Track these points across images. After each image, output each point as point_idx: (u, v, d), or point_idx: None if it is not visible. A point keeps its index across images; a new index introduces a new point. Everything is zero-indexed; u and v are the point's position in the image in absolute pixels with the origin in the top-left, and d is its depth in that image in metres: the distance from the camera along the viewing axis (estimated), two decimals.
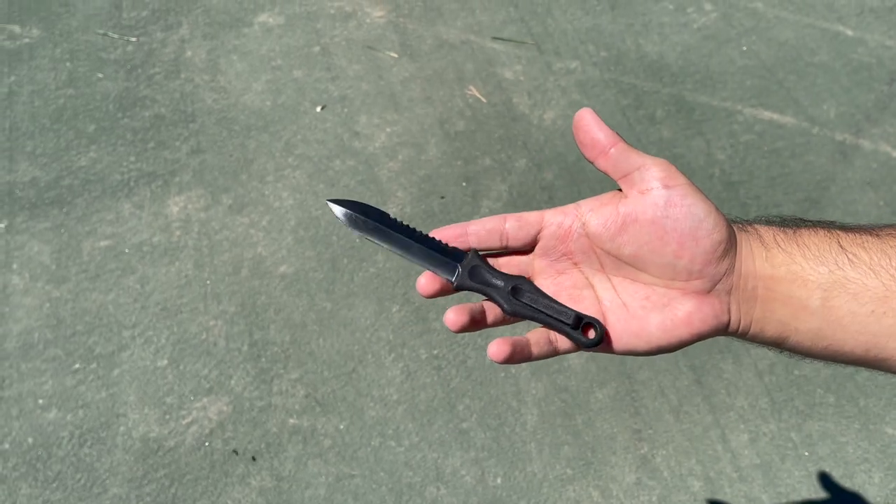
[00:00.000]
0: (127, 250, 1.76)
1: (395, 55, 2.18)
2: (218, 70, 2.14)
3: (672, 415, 1.53)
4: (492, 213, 1.82)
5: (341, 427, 1.51)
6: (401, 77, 2.12)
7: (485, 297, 0.48)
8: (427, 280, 0.47)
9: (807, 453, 1.48)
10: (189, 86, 2.10)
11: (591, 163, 0.47)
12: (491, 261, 0.49)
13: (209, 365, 1.58)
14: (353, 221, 0.49)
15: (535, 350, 0.47)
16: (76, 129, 1.99)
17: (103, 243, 1.77)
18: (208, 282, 1.70)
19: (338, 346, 1.61)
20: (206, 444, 1.48)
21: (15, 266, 1.72)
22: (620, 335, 0.47)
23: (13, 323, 1.63)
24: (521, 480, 1.45)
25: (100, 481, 1.44)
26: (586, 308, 0.48)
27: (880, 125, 2.01)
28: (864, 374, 1.58)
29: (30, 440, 1.48)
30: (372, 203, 1.84)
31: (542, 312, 0.46)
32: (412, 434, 1.50)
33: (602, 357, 1.60)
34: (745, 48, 2.19)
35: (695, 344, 0.47)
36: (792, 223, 0.47)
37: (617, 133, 0.46)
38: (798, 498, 1.43)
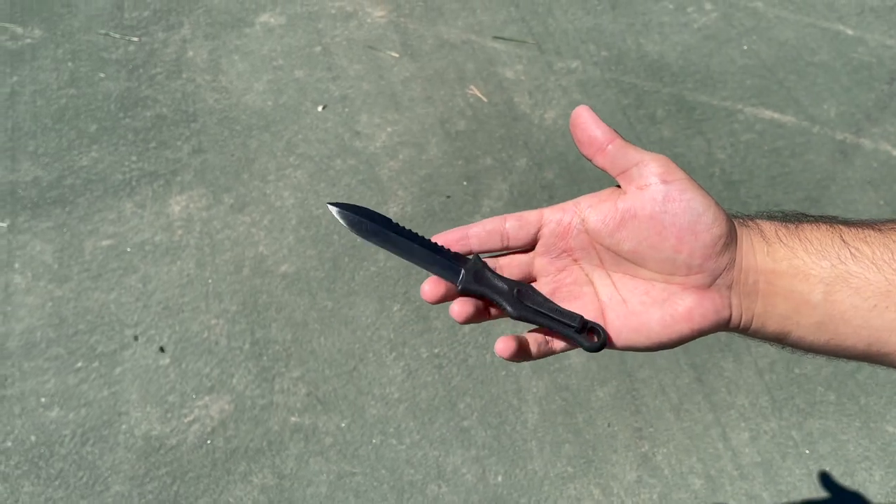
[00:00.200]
0: (129, 249, 1.76)
1: (396, 55, 2.19)
2: (219, 70, 2.14)
3: (673, 413, 1.53)
4: (493, 212, 1.83)
5: (342, 425, 1.51)
6: (402, 77, 2.13)
7: (489, 302, 0.48)
8: (431, 286, 0.47)
9: (807, 451, 1.48)
10: (190, 86, 2.10)
11: (589, 160, 0.47)
12: (492, 261, 0.49)
13: (211, 363, 1.59)
14: (354, 225, 0.48)
15: (534, 349, 0.48)
16: (78, 129, 2.00)
17: (105, 242, 1.78)
18: (210, 281, 1.71)
19: (339, 345, 1.62)
20: (208, 442, 1.49)
21: (17, 265, 1.73)
22: (620, 331, 0.47)
23: (16, 322, 1.64)
24: (522, 478, 1.45)
25: (102, 479, 1.44)
26: (586, 304, 0.48)
27: (880, 124, 2.01)
28: (864, 372, 1.58)
29: (32, 438, 1.49)
30: (373, 203, 1.85)
31: (547, 316, 0.47)
32: (413, 432, 1.50)
33: (603, 356, 1.60)
34: (745, 48, 2.20)
35: (695, 341, 0.47)
36: (794, 218, 0.47)
37: (614, 129, 0.46)
38: (799, 496, 1.43)
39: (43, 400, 1.54)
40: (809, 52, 2.18)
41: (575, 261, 0.49)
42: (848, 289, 0.43)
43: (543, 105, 2.06)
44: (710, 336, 0.53)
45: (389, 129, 2.01)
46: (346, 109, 2.05)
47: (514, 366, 1.58)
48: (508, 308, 0.47)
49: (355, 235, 0.49)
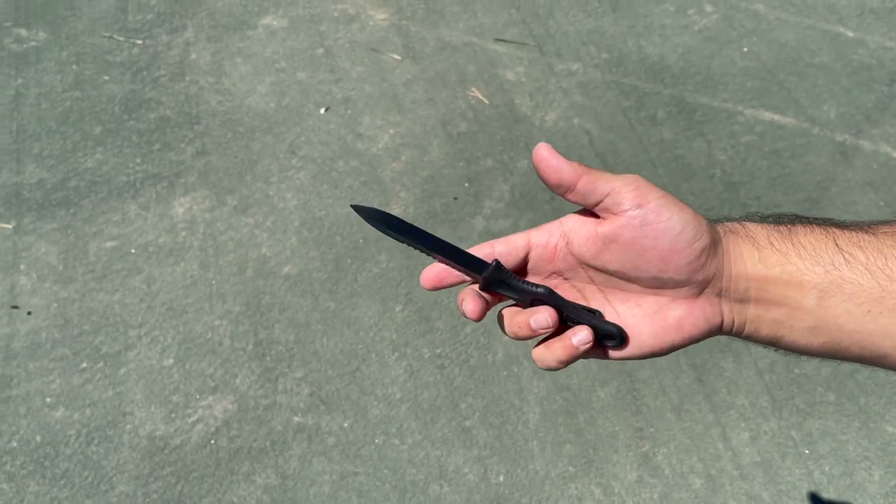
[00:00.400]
0: (133, 251, 1.78)
1: (398, 57, 2.20)
2: (222, 72, 2.15)
3: (673, 413, 1.54)
4: (494, 213, 1.84)
5: (345, 425, 1.52)
6: (403, 79, 2.14)
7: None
8: (431, 272, 0.48)
9: (807, 451, 1.49)
10: (194, 88, 2.11)
11: (561, 197, 0.47)
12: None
13: (214, 364, 1.60)
14: (379, 222, 0.49)
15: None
16: (82, 131, 2.01)
17: (109, 244, 1.79)
18: (213, 282, 1.72)
19: (342, 346, 1.63)
20: (212, 441, 1.50)
21: (22, 266, 1.74)
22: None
23: (21, 322, 1.65)
24: (524, 478, 1.46)
25: (107, 479, 1.45)
26: None
27: (880, 126, 2.02)
28: (864, 372, 1.59)
29: (38, 438, 1.50)
30: (375, 204, 1.86)
31: (569, 320, 0.47)
32: (415, 432, 1.51)
33: None
34: (745, 49, 2.21)
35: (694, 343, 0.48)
36: (787, 220, 0.47)
37: (578, 162, 0.46)
38: (798, 496, 1.44)
39: (48, 400, 1.55)
40: (810, 54, 2.18)
41: (566, 279, 0.49)
42: (841, 294, 0.43)
43: (544, 107, 2.07)
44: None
45: (391, 131, 2.02)
46: (349, 111, 2.07)
47: (515, 366, 1.59)
48: None
49: (390, 234, 0.49)
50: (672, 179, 1.91)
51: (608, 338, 0.47)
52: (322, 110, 2.07)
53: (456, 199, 1.85)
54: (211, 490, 1.44)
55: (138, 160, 1.95)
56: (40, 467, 1.46)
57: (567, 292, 0.49)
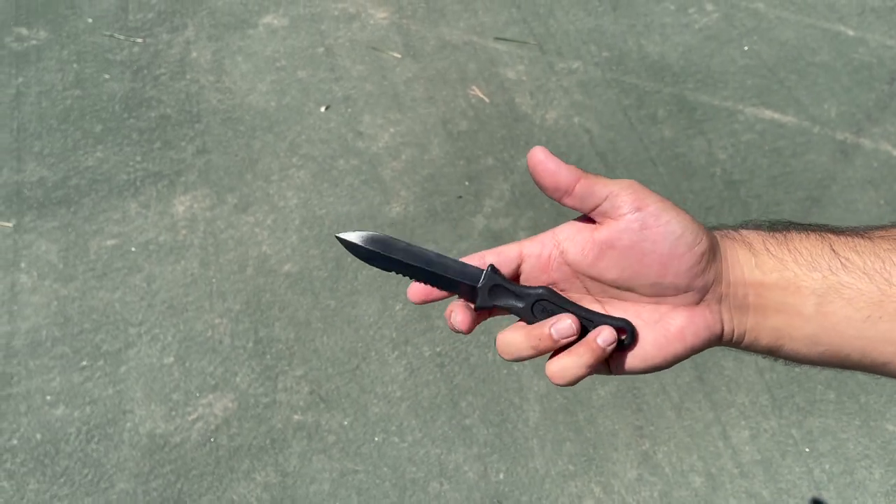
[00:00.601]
0: (133, 249, 1.78)
1: (399, 56, 2.20)
2: (223, 71, 2.16)
3: (673, 411, 1.54)
4: (494, 211, 1.84)
5: (345, 423, 1.52)
6: (404, 77, 2.14)
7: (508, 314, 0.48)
8: (416, 288, 0.47)
9: (807, 449, 1.49)
10: (194, 86, 2.12)
11: (557, 202, 0.46)
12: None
13: (215, 362, 1.60)
14: (362, 256, 0.48)
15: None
16: (83, 130, 2.01)
17: (110, 242, 1.79)
18: (214, 280, 1.72)
19: (342, 344, 1.63)
20: (212, 439, 1.50)
21: (23, 265, 1.74)
22: (615, 356, 0.46)
23: (21, 321, 1.65)
24: (524, 476, 1.46)
25: (107, 476, 1.46)
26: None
27: (881, 124, 2.02)
28: None
29: (38, 436, 1.50)
30: (375, 202, 1.86)
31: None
32: (415, 430, 1.52)
33: None
34: (746, 48, 2.21)
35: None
36: (782, 227, 0.47)
37: (574, 166, 0.45)
38: (799, 494, 1.44)
39: (48, 398, 1.55)
40: (810, 53, 2.18)
41: (561, 291, 0.48)
42: (840, 300, 0.43)
43: (545, 105, 2.07)
44: None
45: (392, 130, 2.02)
46: (349, 110, 2.07)
47: (515, 364, 1.59)
48: (527, 320, 0.47)
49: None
50: (672, 178, 1.91)
51: (618, 333, 0.46)
52: (322, 109, 2.07)
53: (460, 197, 1.85)
54: (211, 488, 1.44)
55: (139, 158, 1.95)
56: (40, 465, 1.47)
57: None
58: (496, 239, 1.77)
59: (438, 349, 1.62)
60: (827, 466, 1.47)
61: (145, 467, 1.47)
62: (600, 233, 0.45)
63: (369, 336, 1.64)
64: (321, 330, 1.65)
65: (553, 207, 1.83)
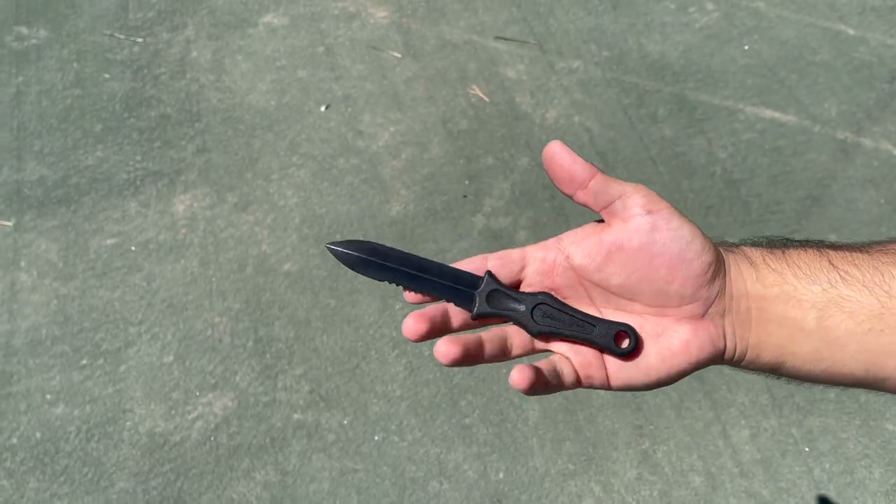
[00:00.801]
0: (133, 248, 1.78)
1: (399, 55, 2.20)
2: (223, 70, 2.16)
3: (673, 411, 1.54)
4: (494, 211, 1.84)
5: (345, 422, 1.52)
6: (404, 77, 2.14)
7: (508, 322, 0.47)
8: (414, 322, 0.44)
9: (807, 449, 1.49)
10: (194, 86, 2.12)
11: (569, 197, 0.46)
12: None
13: (214, 361, 1.60)
14: (354, 265, 0.47)
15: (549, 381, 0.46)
16: (83, 129, 2.01)
17: (110, 241, 1.79)
18: (214, 279, 1.72)
19: (341, 343, 1.63)
20: (212, 438, 1.50)
21: (23, 263, 1.74)
22: (617, 370, 0.45)
23: (21, 319, 1.65)
24: (523, 475, 1.46)
25: (107, 475, 1.46)
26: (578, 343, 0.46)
27: (881, 123, 2.01)
28: None
29: (38, 435, 1.50)
30: (376, 201, 1.86)
31: (569, 327, 0.45)
32: (415, 429, 1.51)
33: None
34: (746, 47, 2.20)
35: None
36: (779, 244, 0.47)
37: (591, 163, 0.45)
38: (799, 493, 1.44)
39: (48, 397, 1.55)
40: (811, 52, 2.18)
41: (564, 299, 0.47)
42: (841, 313, 0.42)
43: (545, 105, 2.07)
44: None
45: (392, 129, 2.02)
46: (349, 109, 2.07)
47: (515, 362, 1.59)
48: (526, 327, 0.46)
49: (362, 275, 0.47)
50: (672, 177, 1.91)
51: (621, 339, 0.45)
52: (322, 108, 2.07)
53: (466, 196, 1.85)
54: (211, 486, 1.44)
55: (139, 158, 1.95)
56: (40, 464, 1.47)
57: None
58: (496, 238, 1.77)
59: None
60: (827, 466, 1.47)
61: (145, 466, 1.47)
62: (609, 234, 0.45)
63: (369, 335, 1.64)
64: (321, 329, 1.65)
65: (553, 207, 1.83)
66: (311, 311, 1.67)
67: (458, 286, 0.46)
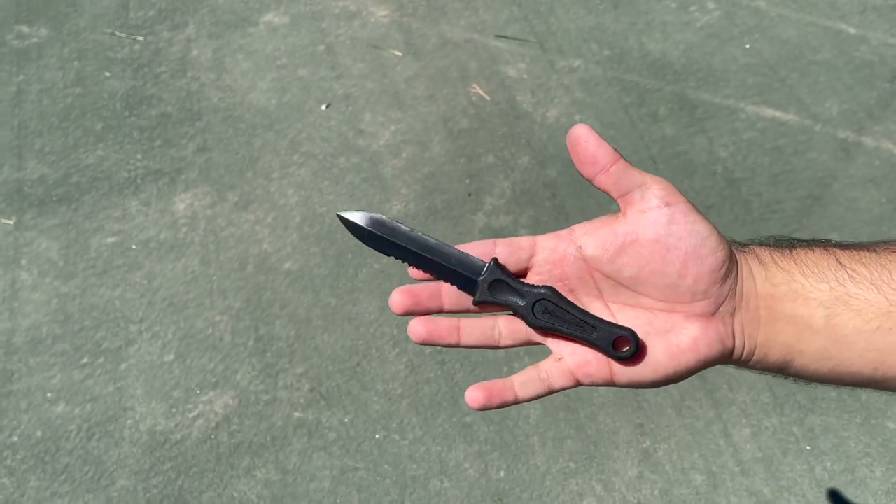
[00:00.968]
0: (134, 247, 1.78)
1: (399, 54, 2.20)
2: (224, 69, 2.15)
3: (674, 409, 1.54)
4: (495, 209, 1.84)
5: (346, 420, 1.52)
6: (405, 75, 2.14)
7: (509, 312, 0.46)
8: (400, 296, 0.45)
9: (808, 447, 1.49)
10: (195, 84, 2.12)
11: (588, 180, 0.45)
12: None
13: (215, 359, 1.60)
14: (363, 237, 0.47)
15: (522, 393, 0.46)
16: (84, 128, 2.01)
17: (110, 240, 1.79)
18: (214, 278, 1.72)
19: (342, 341, 1.63)
20: (213, 437, 1.50)
21: (23, 262, 1.74)
22: (623, 366, 0.45)
23: (22, 318, 1.65)
24: (524, 473, 1.46)
25: (107, 474, 1.46)
26: None
27: (882, 122, 2.01)
28: None
29: (38, 433, 1.50)
30: (376, 200, 1.86)
31: (569, 326, 0.44)
32: (416, 428, 1.51)
33: None
34: (747, 46, 2.20)
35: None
36: (786, 243, 0.46)
37: (615, 149, 0.45)
38: (800, 492, 1.43)
39: (49, 395, 1.55)
40: (812, 51, 2.18)
41: (571, 291, 0.46)
42: (849, 311, 0.42)
43: (546, 103, 2.07)
44: None
45: (392, 128, 2.02)
46: (350, 108, 2.07)
47: (516, 361, 1.59)
48: (526, 319, 0.45)
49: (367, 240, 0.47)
50: (673, 176, 1.91)
51: (621, 344, 0.44)
52: (323, 107, 2.07)
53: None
54: (211, 485, 1.44)
55: (139, 156, 1.95)
56: (41, 462, 1.47)
57: None
58: (497, 237, 1.76)
59: (439, 347, 1.62)
60: (828, 464, 1.47)
61: (146, 464, 1.46)
62: (624, 225, 0.44)
63: (370, 333, 1.64)
64: (322, 327, 1.65)
65: (553, 206, 1.83)
66: (312, 309, 1.67)
67: (461, 271, 0.45)
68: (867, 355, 0.42)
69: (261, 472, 1.46)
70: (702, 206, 1.85)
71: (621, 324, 0.45)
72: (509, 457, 1.48)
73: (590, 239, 0.45)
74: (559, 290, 0.45)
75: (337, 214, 0.48)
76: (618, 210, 0.46)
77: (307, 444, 1.49)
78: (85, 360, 1.59)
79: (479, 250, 0.46)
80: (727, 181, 1.90)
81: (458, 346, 0.46)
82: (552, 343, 0.46)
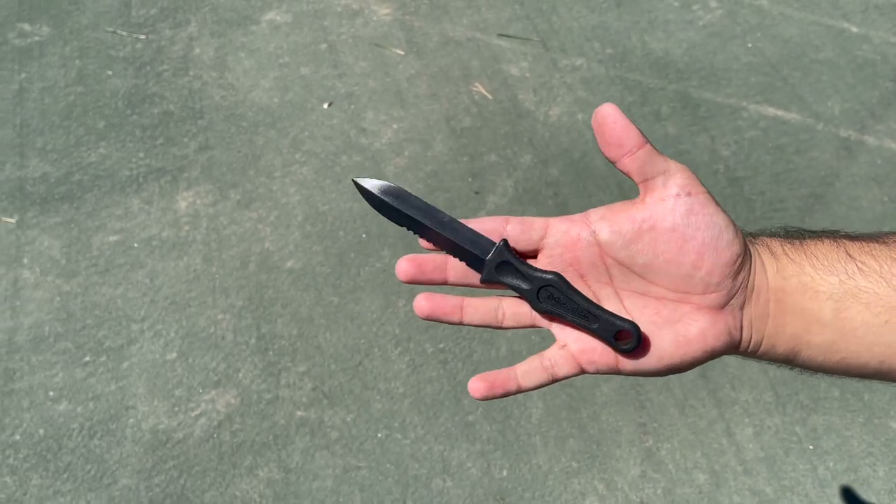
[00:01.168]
0: (136, 245, 1.78)
1: (402, 52, 2.19)
2: (226, 67, 2.15)
3: (677, 408, 1.54)
4: (497, 208, 1.83)
5: (348, 419, 1.52)
6: (407, 74, 2.14)
7: (515, 294, 0.46)
8: (407, 263, 0.45)
9: (811, 447, 1.49)
10: (197, 83, 2.11)
11: (612, 162, 0.44)
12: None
13: (217, 358, 1.60)
14: (377, 205, 0.47)
15: (525, 382, 0.46)
16: (86, 126, 2.01)
17: (112, 238, 1.79)
18: (216, 276, 1.72)
19: (344, 340, 1.63)
20: (215, 435, 1.50)
21: (26, 260, 1.74)
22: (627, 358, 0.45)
23: (24, 316, 1.65)
24: (527, 473, 1.46)
25: (109, 472, 1.46)
26: None
27: (885, 121, 2.01)
28: None
29: (41, 432, 1.50)
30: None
31: (574, 315, 0.44)
32: (418, 427, 1.51)
33: None
34: (750, 45, 2.20)
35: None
36: (796, 234, 0.46)
37: (641, 131, 0.44)
38: (802, 491, 1.43)
39: (51, 394, 1.55)
40: (814, 50, 2.18)
41: (581, 276, 0.45)
42: (858, 305, 0.42)
43: (548, 102, 2.07)
44: None
45: (395, 126, 2.02)
46: (352, 106, 2.06)
47: (518, 361, 1.59)
48: (530, 302, 0.45)
49: (382, 203, 0.47)
50: None
51: (622, 338, 0.44)
52: (325, 105, 2.06)
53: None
54: (214, 484, 1.44)
55: (141, 155, 1.95)
56: (43, 461, 1.47)
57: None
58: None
59: (441, 346, 1.62)
60: (831, 464, 1.47)
61: (148, 463, 1.46)
62: (643, 211, 0.43)
63: (372, 332, 1.64)
64: (324, 326, 1.65)
65: (556, 204, 1.83)
66: (314, 308, 1.67)
67: (470, 249, 0.45)
68: (875, 349, 0.42)
69: (263, 471, 1.46)
70: None
71: (629, 312, 0.44)
72: (512, 456, 1.48)
73: (605, 224, 0.44)
74: (569, 274, 0.45)
75: (353, 180, 0.48)
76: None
77: (309, 443, 1.49)
78: (87, 359, 1.59)
79: (489, 226, 0.45)
80: (729, 180, 1.90)
81: (460, 323, 0.46)
82: (557, 329, 0.46)
